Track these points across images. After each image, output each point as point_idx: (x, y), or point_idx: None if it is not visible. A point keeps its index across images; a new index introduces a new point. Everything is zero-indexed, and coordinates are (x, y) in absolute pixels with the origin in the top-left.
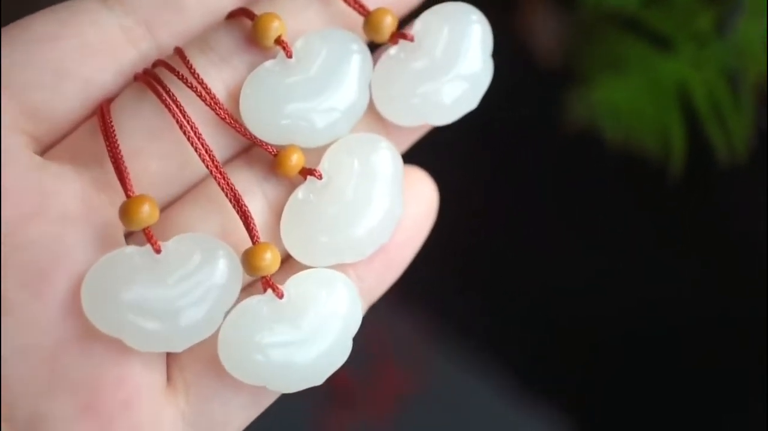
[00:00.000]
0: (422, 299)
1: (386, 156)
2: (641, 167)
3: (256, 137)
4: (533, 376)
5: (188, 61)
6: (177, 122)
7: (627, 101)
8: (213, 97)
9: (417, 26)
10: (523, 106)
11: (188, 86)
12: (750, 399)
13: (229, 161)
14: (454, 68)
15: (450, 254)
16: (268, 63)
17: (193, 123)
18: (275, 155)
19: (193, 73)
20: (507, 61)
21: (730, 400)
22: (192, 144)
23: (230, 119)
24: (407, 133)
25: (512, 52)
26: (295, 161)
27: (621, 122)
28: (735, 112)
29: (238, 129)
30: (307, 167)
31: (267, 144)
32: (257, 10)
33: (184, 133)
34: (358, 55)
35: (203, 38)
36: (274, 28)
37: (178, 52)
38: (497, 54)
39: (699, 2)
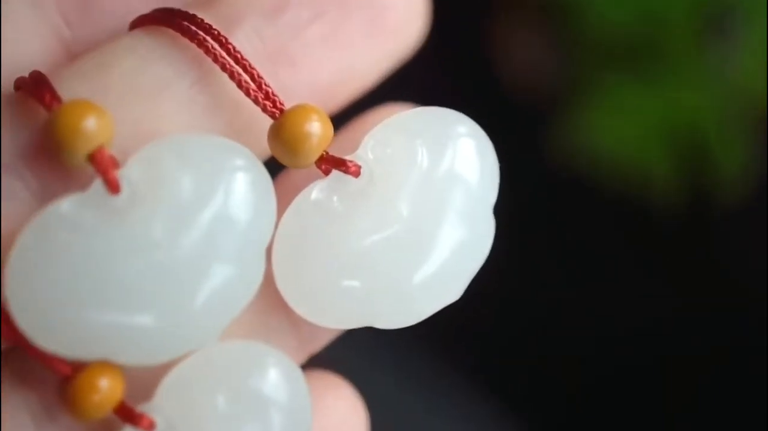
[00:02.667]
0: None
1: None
2: (629, 202)
3: (35, 349)
4: (517, 409)
5: None
6: None
7: (613, 139)
8: None
9: (368, 149)
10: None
11: None
12: None
13: None
14: (430, 226)
15: None
16: (68, 202)
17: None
18: (68, 378)
19: None
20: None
21: None
22: None
23: None
24: (329, 331)
25: (482, 80)
26: (105, 390)
27: (607, 160)
28: (732, 149)
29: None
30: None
31: (55, 358)
32: (65, 88)
33: None
34: (245, 180)
35: None
36: (87, 134)
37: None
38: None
39: (696, 36)
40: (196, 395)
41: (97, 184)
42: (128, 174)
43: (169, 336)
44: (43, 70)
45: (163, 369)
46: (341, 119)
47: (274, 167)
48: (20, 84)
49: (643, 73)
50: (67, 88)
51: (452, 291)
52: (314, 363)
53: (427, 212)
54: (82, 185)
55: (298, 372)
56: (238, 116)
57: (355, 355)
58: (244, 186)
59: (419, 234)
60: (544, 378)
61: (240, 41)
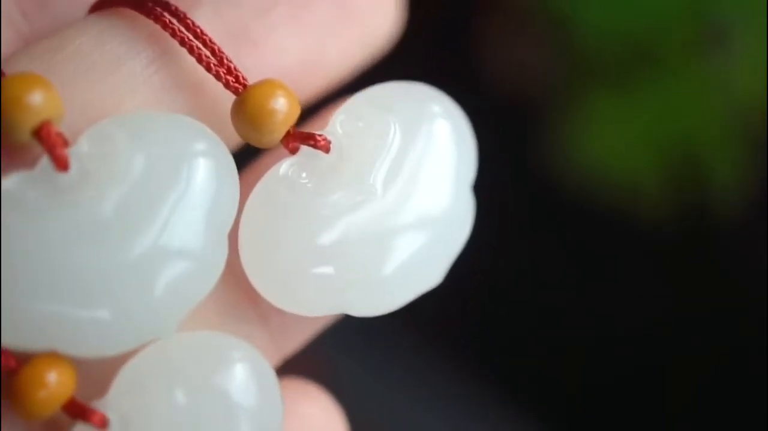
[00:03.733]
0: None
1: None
2: (619, 212)
3: None
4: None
5: None
6: None
7: (601, 148)
8: None
9: (338, 123)
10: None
11: None
12: None
13: None
14: (404, 208)
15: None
16: (13, 180)
17: None
18: (11, 372)
19: None
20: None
21: None
22: None
23: None
24: (301, 325)
25: (466, 82)
26: (54, 385)
27: (595, 170)
28: (727, 159)
29: None
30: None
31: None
32: (15, 69)
33: None
34: (205, 164)
35: None
36: (32, 108)
37: None
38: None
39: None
40: (153, 389)
41: (45, 161)
42: (78, 151)
43: (122, 327)
44: None
45: (118, 363)
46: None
47: (245, 157)
48: None
49: (635, 82)
50: (17, 69)
51: (430, 277)
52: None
53: (401, 191)
54: (28, 165)
55: (267, 367)
56: (200, 96)
57: (345, 356)
58: (203, 167)
59: (393, 216)
60: (544, 378)
61: (199, 19)
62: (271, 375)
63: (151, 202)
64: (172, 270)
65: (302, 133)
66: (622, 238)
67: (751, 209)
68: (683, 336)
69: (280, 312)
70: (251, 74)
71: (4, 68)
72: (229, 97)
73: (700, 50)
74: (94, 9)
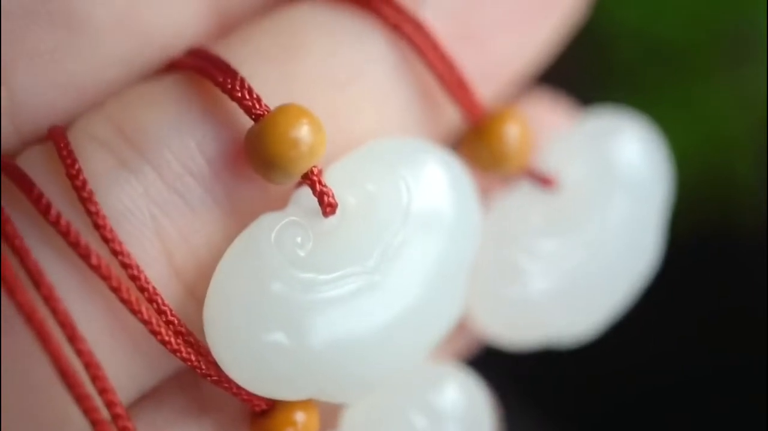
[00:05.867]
0: None
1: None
2: None
3: (232, 384)
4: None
5: (82, 178)
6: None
7: None
8: (140, 278)
9: (555, 158)
10: None
11: (74, 246)
12: None
13: (157, 393)
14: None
15: None
16: (285, 227)
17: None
18: (262, 412)
19: (96, 215)
20: None
21: None
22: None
23: (174, 334)
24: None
25: None
26: (301, 423)
27: None
28: (756, 171)
29: (191, 362)
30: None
31: (252, 395)
32: (246, 72)
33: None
34: (455, 228)
35: (124, 128)
36: (302, 153)
37: (56, 140)
38: None
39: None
40: (390, 420)
41: (304, 201)
42: (341, 196)
43: (382, 367)
44: (200, 43)
45: None
46: None
47: None
48: (182, 63)
49: (662, 89)
50: (252, 74)
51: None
52: None
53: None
54: (270, 194)
55: (479, 389)
56: (434, 120)
57: None
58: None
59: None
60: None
61: (428, 19)
62: (482, 395)
63: (420, 244)
64: (432, 314)
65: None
66: None
67: None
68: (703, 352)
69: None
70: (474, 75)
71: (214, 59)
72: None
73: (728, 60)
74: None
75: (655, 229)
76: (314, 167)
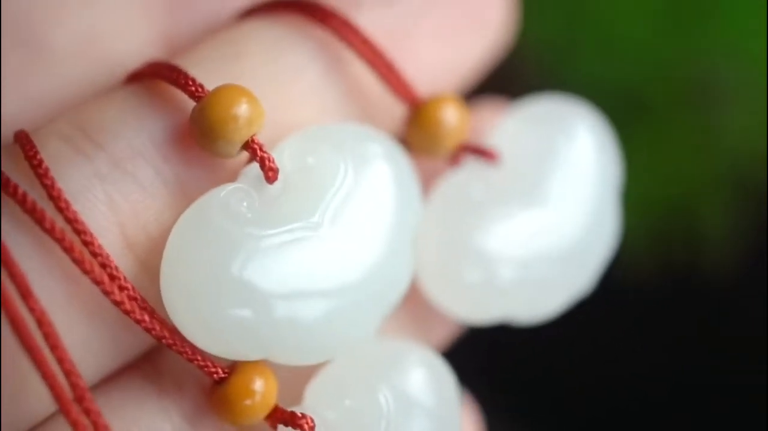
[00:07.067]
0: None
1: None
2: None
3: (186, 347)
4: None
5: (39, 158)
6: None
7: None
8: (101, 256)
9: (501, 137)
10: None
11: (30, 212)
12: None
13: (116, 376)
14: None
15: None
16: (229, 193)
17: (36, 301)
18: (220, 380)
19: (56, 196)
20: None
21: None
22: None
23: (134, 309)
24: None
25: None
26: (261, 392)
27: None
28: (720, 214)
29: (151, 329)
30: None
31: (207, 360)
32: (193, 68)
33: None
34: (394, 186)
35: (83, 124)
36: (241, 123)
37: (20, 139)
38: None
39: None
40: (357, 394)
41: (249, 173)
42: (282, 163)
43: (333, 337)
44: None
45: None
46: None
47: None
48: (137, 76)
49: (626, 134)
50: (198, 76)
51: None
52: None
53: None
54: (217, 175)
55: (448, 373)
56: (369, 105)
57: None
58: (387, 176)
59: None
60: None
61: (363, 25)
62: (451, 380)
63: (349, 207)
64: (381, 282)
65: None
66: (612, 293)
67: (742, 264)
68: (672, 395)
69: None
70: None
71: (165, 64)
72: (393, 104)
73: (692, 102)
74: (251, 13)
75: (612, 210)
76: (254, 135)
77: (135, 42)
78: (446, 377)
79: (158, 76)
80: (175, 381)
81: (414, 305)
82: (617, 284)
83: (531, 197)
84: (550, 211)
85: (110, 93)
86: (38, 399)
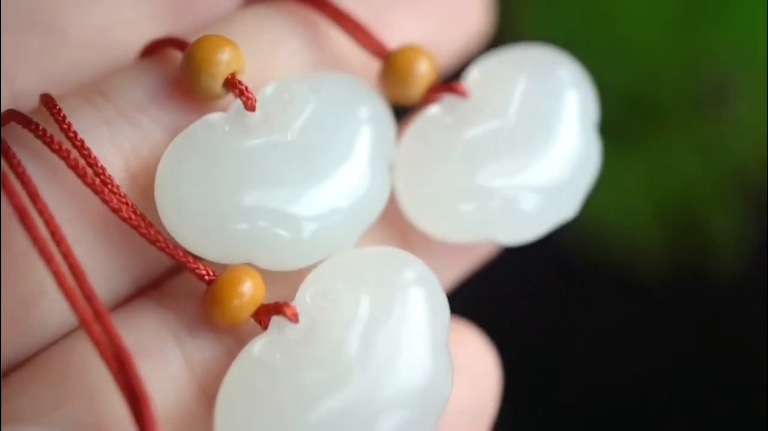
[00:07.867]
0: None
1: (417, 295)
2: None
3: (178, 250)
4: None
5: (62, 114)
6: (19, 214)
7: (597, 207)
8: (103, 174)
9: (473, 76)
10: None
11: (57, 152)
12: None
13: (128, 297)
14: (538, 144)
15: None
16: (213, 117)
17: (52, 218)
18: (210, 283)
19: (68, 132)
20: None
21: None
22: (45, 259)
23: (130, 215)
24: (454, 254)
25: None
26: (248, 293)
27: (592, 229)
28: (726, 217)
29: (146, 234)
30: (270, 302)
31: (199, 263)
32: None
33: (34, 240)
34: (367, 117)
35: (96, 86)
36: (223, 61)
37: (46, 101)
38: None
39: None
40: (340, 296)
41: (234, 108)
42: (263, 95)
43: (313, 244)
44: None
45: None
46: None
47: None
48: (149, 50)
49: (633, 138)
50: None
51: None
52: None
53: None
54: None
55: (435, 280)
56: (344, 70)
57: None
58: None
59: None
60: None
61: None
62: (438, 286)
63: (327, 145)
64: (352, 196)
65: (444, 86)
66: (618, 294)
67: (749, 267)
68: (672, 395)
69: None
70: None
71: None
72: (367, 71)
73: (699, 107)
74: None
75: (593, 142)
76: (234, 72)
77: (142, 35)
78: (432, 280)
79: (163, 46)
80: (174, 297)
81: (390, 224)
82: (618, 284)
83: (504, 120)
84: (527, 138)
85: (126, 67)
86: (53, 309)
